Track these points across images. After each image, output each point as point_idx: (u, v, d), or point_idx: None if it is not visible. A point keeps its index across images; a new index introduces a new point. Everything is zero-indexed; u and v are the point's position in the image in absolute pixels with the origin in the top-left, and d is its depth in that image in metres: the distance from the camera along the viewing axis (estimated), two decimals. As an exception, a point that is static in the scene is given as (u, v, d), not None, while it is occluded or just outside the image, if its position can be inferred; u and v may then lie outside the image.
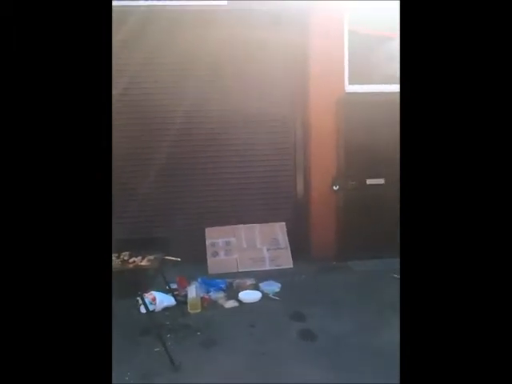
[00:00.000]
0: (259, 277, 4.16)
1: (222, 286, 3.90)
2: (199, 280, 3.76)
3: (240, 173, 4.85)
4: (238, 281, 3.99)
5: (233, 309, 3.55)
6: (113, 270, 2.67)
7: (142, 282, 2.66)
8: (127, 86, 4.50)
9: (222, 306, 3.57)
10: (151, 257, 2.82)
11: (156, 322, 2.91)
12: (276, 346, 2.93)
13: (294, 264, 4.60)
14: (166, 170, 4.71)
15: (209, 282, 3.88)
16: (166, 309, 3.47)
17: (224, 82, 4.69)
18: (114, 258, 2.81)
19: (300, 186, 4.96)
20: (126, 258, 2.82)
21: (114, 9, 3.96)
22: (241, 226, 4.79)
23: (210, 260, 4.52)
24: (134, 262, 2.77)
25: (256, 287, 3.90)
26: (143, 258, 2.80)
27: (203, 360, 2.78)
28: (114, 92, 4.27)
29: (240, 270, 4.46)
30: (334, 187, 4.65)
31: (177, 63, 4.63)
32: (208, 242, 4.62)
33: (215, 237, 4.67)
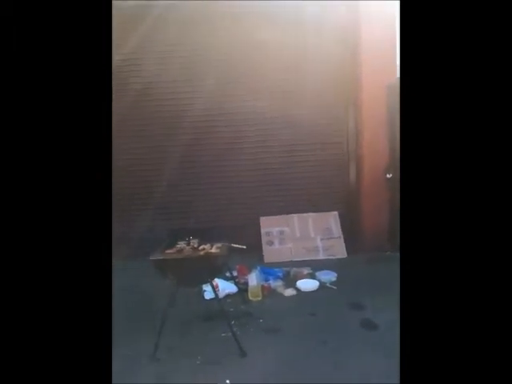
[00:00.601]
0: (313, 266, 4.21)
1: (280, 274, 3.99)
2: (258, 268, 3.86)
3: (292, 162, 4.90)
4: (294, 269, 4.07)
5: (292, 297, 3.63)
6: (185, 256, 2.83)
7: (212, 268, 2.78)
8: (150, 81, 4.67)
9: (281, 294, 3.66)
10: (219, 244, 2.93)
11: (221, 309, 3.02)
12: (337, 334, 2.99)
13: (347, 253, 4.62)
14: (216, 162, 4.85)
15: (267, 271, 3.98)
16: (227, 296, 3.60)
17: (275, 70, 4.73)
18: (184, 245, 2.95)
19: (352, 174, 4.95)
20: (195, 246, 2.95)
21: (133, 6, 4.14)
22: (294, 215, 4.85)
23: (266, 249, 4.62)
24: (204, 249, 2.90)
25: (312, 276, 3.96)
26: (212, 246, 2.92)
27: (267, 346, 2.88)
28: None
29: (294, 259, 4.53)
30: (388, 175, 4.60)
31: (218, 59, 4.72)
32: (263, 231, 4.72)
33: (269, 226, 4.76)
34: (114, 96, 3.90)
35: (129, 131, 4.81)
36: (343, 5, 4.59)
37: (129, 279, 4.19)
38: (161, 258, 2.79)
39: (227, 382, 2.48)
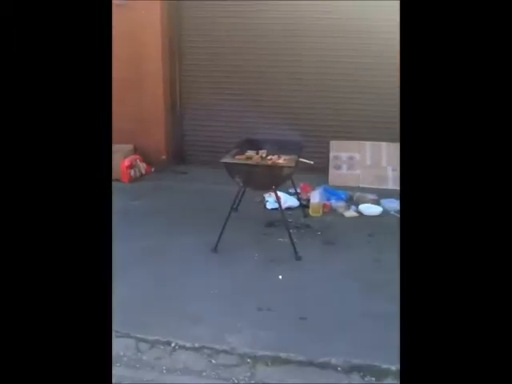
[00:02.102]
0: (380, 195, 4.38)
1: (343, 196, 4.24)
2: (322, 187, 4.13)
3: (371, 87, 4.92)
4: (358, 194, 4.28)
5: (352, 218, 3.91)
6: (253, 163, 3.16)
7: (277, 177, 3.09)
8: None
9: (341, 215, 3.95)
10: (287, 157, 3.22)
11: (281, 218, 3.37)
12: (392, 255, 3.23)
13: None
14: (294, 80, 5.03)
15: (331, 191, 4.24)
16: (288, 209, 3.94)
17: None
18: (253, 154, 3.27)
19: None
20: (264, 156, 3.27)
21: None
22: (366, 142, 4.95)
23: (332, 172, 4.84)
24: (271, 159, 3.20)
25: (377, 203, 4.16)
26: (279, 157, 3.22)
27: (322, 255, 3.23)
28: None
29: (361, 186, 4.72)
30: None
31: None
32: (331, 155, 4.92)
33: (339, 150, 4.93)
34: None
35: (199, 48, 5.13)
36: None
37: (200, 183, 4.69)
38: (230, 161, 3.14)
39: (280, 277, 2.89)
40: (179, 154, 5.41)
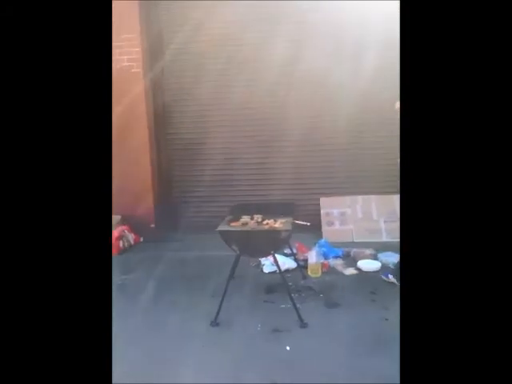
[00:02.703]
0: (375, 247, 4.34)
1: (340, 253, 4.18)
2: (318, 243, 4.07)
3: (353, 143, 5.02)
4: (355, 250, 4.23)
5: (352, 276, 3.83)
6: (250, 229, 3.09)
7: (275, 242, 3.02)
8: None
9: (341, 273, 3.86)
10: (283, 220, 3.16)
11: (282, 282, 3.27)
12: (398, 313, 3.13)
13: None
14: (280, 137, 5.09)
15: (327, 247, 4.19)
16: (286, 271, 3.85)
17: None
18: (248, 220, 3.21)
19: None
20: (259, 220, 3.21)
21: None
22: (356, 196, 4.98)
23: (325, 229, 4.81)
24: (268, 223, 3.14)
25: (374, 257, 4.11)
26: (276, 221, 3.16)
27: (327, 319, 3.10)
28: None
29: (355, 240, 4.68)
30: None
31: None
32: (323, 212, 4.91)
33: (330, 207, 4.93)
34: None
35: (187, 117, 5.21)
36: None
37: (191, 251, 4.59)
38: (226, 229, 3.07)
39: (287, 348, 2.74)
40: (168, 221, 5.34)
